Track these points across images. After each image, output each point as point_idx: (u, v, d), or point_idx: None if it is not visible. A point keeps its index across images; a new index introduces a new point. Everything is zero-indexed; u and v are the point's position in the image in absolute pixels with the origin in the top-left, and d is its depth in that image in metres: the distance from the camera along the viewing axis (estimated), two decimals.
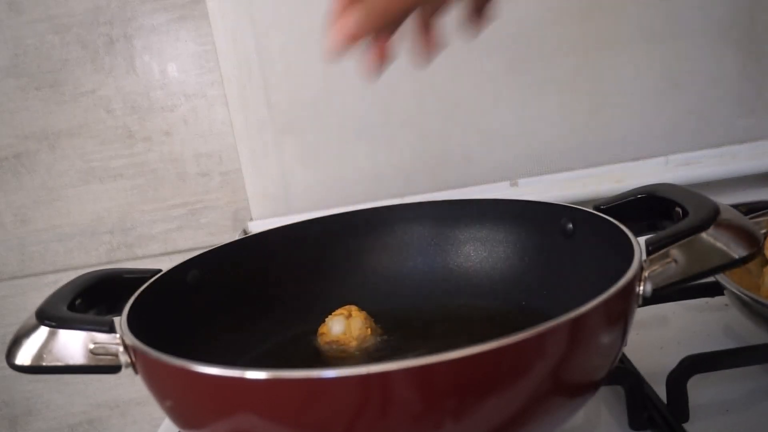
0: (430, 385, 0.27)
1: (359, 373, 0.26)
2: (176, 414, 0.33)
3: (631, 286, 0.32)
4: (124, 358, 0.34)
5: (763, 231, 0.49)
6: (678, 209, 0.40)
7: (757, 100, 0.77)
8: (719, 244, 0.34)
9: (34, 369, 0.35)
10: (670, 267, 0.33)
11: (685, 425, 0.39)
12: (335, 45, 0.34)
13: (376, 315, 0.49)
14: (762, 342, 0.42)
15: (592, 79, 0.77)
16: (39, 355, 0.35)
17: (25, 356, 0.35)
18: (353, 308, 0.48)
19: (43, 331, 0.35)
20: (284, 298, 0.51)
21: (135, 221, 0.85)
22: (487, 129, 0.79)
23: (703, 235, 0.34)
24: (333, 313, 0.48)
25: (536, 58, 0.77)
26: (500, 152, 0.79)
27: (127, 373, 0.35)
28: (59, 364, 0.35)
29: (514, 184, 0.78)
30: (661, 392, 0.41)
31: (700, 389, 0.42)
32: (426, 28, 0.40)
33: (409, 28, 0.38)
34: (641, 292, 0.33)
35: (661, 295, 0.33)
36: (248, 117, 0.80)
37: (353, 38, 0.34)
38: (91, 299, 0.40)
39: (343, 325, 0.46)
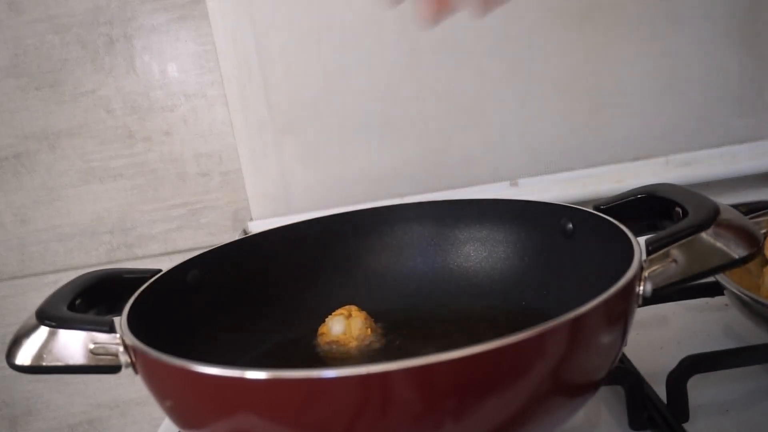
0: (430, 385, 0.27)
1: (359, 373, 0.26)
2: (176, 414, 0.33)
3: (631, 286, 0.32)
4: (124, 358, 0.34)
5: (763, 231, 0.49)
6: (678, 209, 0.40)
7: (757, 100, 0.77)
8: (719, 244, 0.34)
9: (34, 369, 0.35)
10: (670, 267, 0.33)
11: (685, 425, 0.39)
12: (431, 12, 0.34)
13: (376, 315, 0.49)
14: (762, 342, 0.42)
15: (592, 79, 0.77)
16: (39, 355, 0.35)
17: (25, 356, 0.35)
18: (353, 308, 0.48)
19: (43, 331, 0.35)
20: (284, 298, 0.51)
21: (135, 221, 0.85)
22: (487, 129, 0.79)
23: (703, 235, 0.34)
24: (333, 313, 0.48)
25: (536, 58, 0.77)
26: (500, 152, 0.79)
27: (127, 373, 0.35)
28: (59, 364, 0.35)
29: (514, 184, 0.78)
30: (661, 392, 0.41)
31: (700, 389, 0.42)
32: None
33: None
34: (641, 292, 0.33)
35: (661, 295, 0.33)
36: (248, 117, 0.80)
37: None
38: (91, 299, 0.40)
39: (343, 325, 0.46)
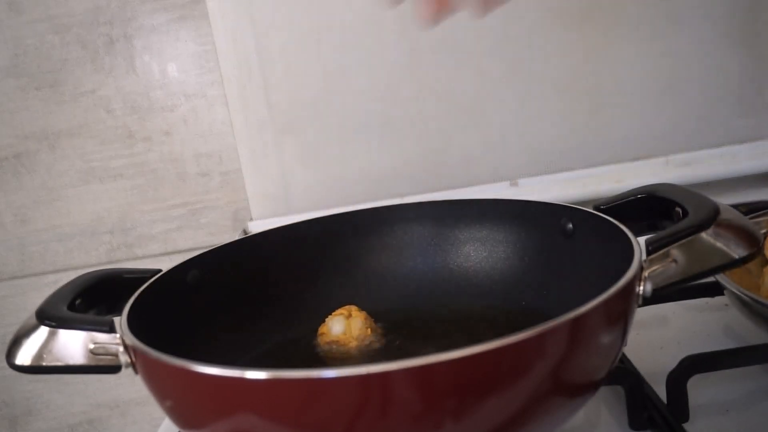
0: (430, 385, 0.27)
1: (359, 373, 0.26)
2: (176, 414, 0.33)
3: (631, 286, 0.32)
4: (124, 358, 0.34)
5: (763, 231, 0.49)
6: (678, 209, 0.40)
7: (757, 100, 0.77)
8: (719, 244, 0.34)
9: (34, 369, 0.35)
10: (670, 267, 0.33)
11: (685, 425, 0.39)
12: (431, 12, 0.35)
13: (376, 315, 0.49)
14: (762, 342, 0.42)
15: (592, 79, 0.77)
16: (39, 355, 0.35)
17: (25, 356, 0.35)
18: (353, 308, 0.48)
19: (43, 331, 0.35)
20: (284, 298, 0.51)
21: (135, 221, 0.85)
22: (487, 129, 0.79)
23: (703, 235, 0.34)
24: (333, 313, 0.48)
25: (536, 58, 0.77)
26: (500, 152, 0.79)
27: (127, 373, 0.35)
28: (59, 364, 0.35)
29: (514, 184, 0.78)
30: (661, 392, 0.41)
31: (700, 389, 0.42)
32: None
33: None
34: (641, 292, 0.33)
35: (661, 295, 0.33)
36: (248, 117, 0.80)
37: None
38: (91, 299, 0.40)
39: (343, 325, 0.46)
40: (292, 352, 0.47)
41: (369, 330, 0.47)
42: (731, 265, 0.33)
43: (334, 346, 0.46)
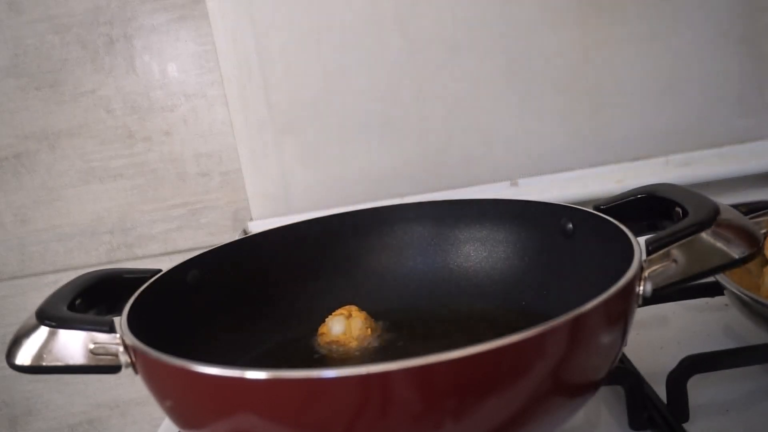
0: (430, 385, 0.27)
1: (359, 373, 0.26)
2: (176, 414, 0.33)
3: (631, 286, 0.32)
4: (124, 358, 0.34)
5: (763, 231, 0.49)
6: (678, 209, 0.40)
7: (757, 100, 0.77)
8: (719, 244, 0.34)
9: (34, 369, 0.35)
10: (670, 267, 0.33)
11: (685, 425, 0.39)
12: None
13: (376, 315, 0.49)
14: (762, 342, 0.42)
15: (592, 79, 0.77)
16: (39, 355, 0.35)
17: (25, 356, 0.35)
18: (353, 308, 0.48)
19: (43, 331, 0.35)
20: (284, 298, 0.51)
21: (135, 221, 0.85)
22: (487, 129, 0.79)
23: (703, 235, 0.34)
24: (333, 313, 0.48)
25: (536, 58, 0.77)
26: (500, 152, 0.79)
27: (127, 373, 0.35)
28: (59, 364, 0.35)
29: (514, 184, 0.78)
30: (661, 392, 0.41)
31: (700, 389, 0.42)
32: None
33: None
34: (641, 292, 0.33)
35: (661, 295, 0.33)
36: (248, 117, 0.80)
37: None
38: (91, 299, 0.40)
39: (343, 325, 0.46)
40: (292, 352, 0.47)
41: (369, 330, 0.47)
42: (731, 265, 0.33)
43: (334, 346, 0.46)
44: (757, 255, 0.34)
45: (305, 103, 0.79)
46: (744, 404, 0.41)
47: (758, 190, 0.75)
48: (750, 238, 0.34)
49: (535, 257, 0.49)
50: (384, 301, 0.51)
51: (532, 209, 0.50)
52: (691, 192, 0.40)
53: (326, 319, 0.48)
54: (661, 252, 0.34)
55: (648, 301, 0.33)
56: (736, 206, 0.38)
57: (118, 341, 0.34)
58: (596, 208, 0.45)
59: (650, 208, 0.43)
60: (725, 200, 0.38)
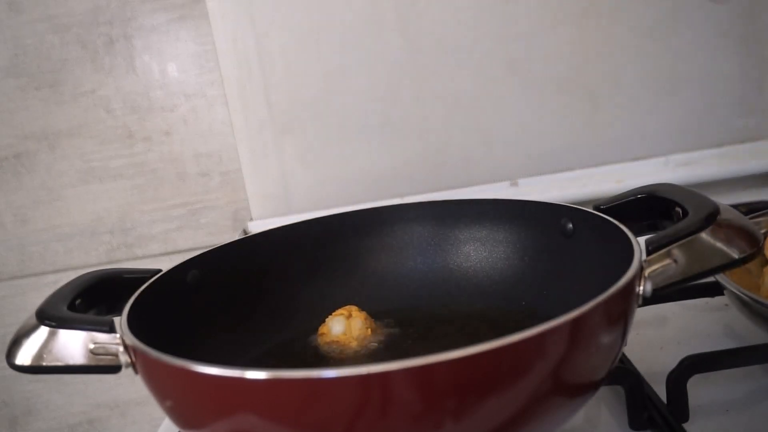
0: (430, 385, 0.27)
1: (359, 373, 0.26)
2: (176, 414, 0.33)
3: (631, 286, 0.32)
4: (124, 358, 0.34)
5: (763, 231, 0.49)
6: (678, 209, 0.40)
7: (757, 100, 0.77)
8: (719, 244, 0.34)
9: (34, 369, 0.35)
10: (670, 267, 0.33)
11: (685, 425, 0.39)
12: None
13: (376, 315, 0.49)
14: (762, 342, 0.42)
15: (592, 79, 0.77)
16: (39, 355, 0.35)
17: (25, 356, 0.35)
18: (353, 308, 0.48)
19: (43, 331, 0.35)
20: (285, 298, 0.51)
21: (135, 221, 0.85)
22: (487, 129, 0.79)
23: (703, 235, 0.34)
24: (333, 313, 0.48)
25: (536, 58, 0.77)
26: (500, 152, 0.79)
27: (127, 373, 0.35)
28: (59, 364, 0.35)
29: (514, 184, 0.78)
30: (661, 392, 0.41)
31: (700, 389, 0.42)
32: None
33: None
34: (641, 292, 0.33)
35: (661, 295, 0.33)
36: (248, 117, 0.80)
37: None
38: (91, 299, 0.40)
39: (344, 325, 0.46)
40: (292, 352, 0.47)
41: (369, 330, 0.47)
42: (731, 265, 0.33)
43: (335, 346, 0.46)
44: (757, 255, 0.34)
45: (305, 103, 0.79)
46: (744, 404, 0.41)
47: (758, 190, 0.75)
48: (750, 238, 0.34)
49: (535, 257, 0.49)
50: (384, 301, 0.51)
51: (532, 209, 0.50)
52: (691, 192, 0.40)
53: (326, 319, 0.48)
54: (661, 252, 0.34)
55: (648, 301, 0.33)
56: (736, 206, 0.38)
57: (118, 341, 0.34)
58: (596, 208, 0.45)
59: (650, 208, 0.43)
60: (725, 200, 0.38)
